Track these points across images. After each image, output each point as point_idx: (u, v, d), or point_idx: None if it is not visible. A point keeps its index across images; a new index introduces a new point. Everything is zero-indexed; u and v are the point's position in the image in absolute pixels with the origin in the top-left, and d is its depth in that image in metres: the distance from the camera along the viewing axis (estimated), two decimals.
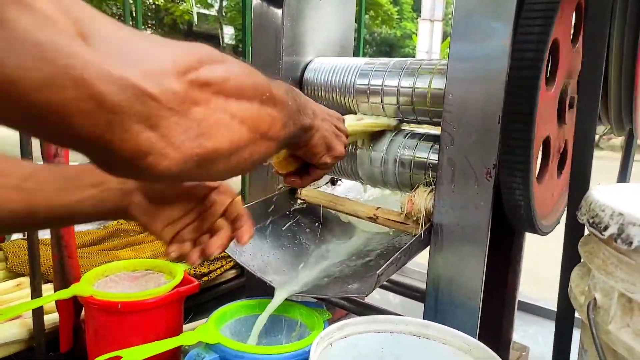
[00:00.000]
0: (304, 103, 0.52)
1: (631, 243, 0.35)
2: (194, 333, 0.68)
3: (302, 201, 0.96)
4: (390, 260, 0.66)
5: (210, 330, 0.69)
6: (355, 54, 1.72)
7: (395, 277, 1.05)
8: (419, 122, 0.85)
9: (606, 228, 0.38)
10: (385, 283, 1.03)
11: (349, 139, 0.72)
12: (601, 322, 0.38)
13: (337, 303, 0.95)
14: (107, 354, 0.62)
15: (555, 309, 0.64)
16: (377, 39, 18.60)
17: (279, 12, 0.91)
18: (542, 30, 0.60)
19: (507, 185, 0.64)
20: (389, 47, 18.75)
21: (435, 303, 0.77)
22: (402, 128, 0.89)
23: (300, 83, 0.96)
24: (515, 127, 0.60)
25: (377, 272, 0.63)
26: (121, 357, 0.62)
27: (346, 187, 1.07)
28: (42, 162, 0.83)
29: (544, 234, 0.73)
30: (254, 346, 0.66)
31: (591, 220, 0.40)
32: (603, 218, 0.38)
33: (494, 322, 0.87)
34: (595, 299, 0.40)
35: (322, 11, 0.97)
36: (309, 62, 0.97)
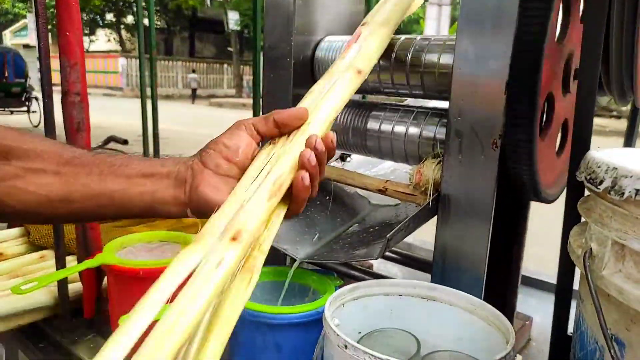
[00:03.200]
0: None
1: (623, 194, 0.38)
2: None
3: None
4: (399, 227, 0.70)
5: None
6: None
7: (404, 251, 1.09)
8: (428, 97, 0.88)
9: (601, 182, 0.41)
10: (395, 256, 1.07)
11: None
12: (596, 269, 0.42)
13: (348, 273, 0.98)
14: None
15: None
16: None
17: None
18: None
19: (512, 149, 0.67)
20: (395, 32, 18.61)
21: (442, 271, 0.80)
22: (412, 104, 0.92)
23: (311, 61, 0.98)
24: (520, 85, 0.63)
25: (387, 236, 0.67)
26: None
27: (355, 163, 1.10)
28: (65, 137, 0.87)
29: (549, 201, 0.76)
30: (270, 306, 0.70)
31: (588, 177, 0.43)
32: (599, 173, 0.41)
33: (499, 291, 0.90)
34: (591, 248, 0.43)
35: None
36: (320, 40, 0.99)
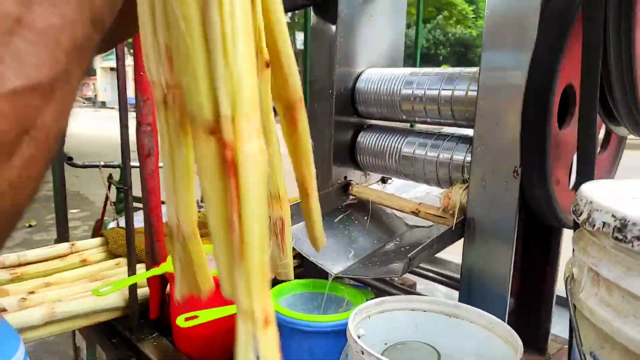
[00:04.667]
0: None
1: (594, 225, 0.43)
2: None
3: (353, 197, 1.07)
4: (422, 247, 0.76)
5: None
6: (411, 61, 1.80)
7: (453, 274, 1.13)
8: (458, 125, 0.93)
9: (581, 214, 0.46)
10: (442, 279, 1.11)
11: None
12: (575, 291, 0.46)
13: (386, 290, 1.04)
14: (187, 313, 0.77)
15: None
16: (452, 39, 18.15)
17: (333, 27, 1.03)
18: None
19: (527, 181, 0.72)
20: (464, 48, 18.22)
21: (469, 289, 0.85)
22: (444, 131, 0.98)
23: (352, 92, 1.07)
24: (529, 126, 0.67)
25: (409, 255, 0.73)
26: (197, 317, 0.76)
27: (395, 186, 1.17)
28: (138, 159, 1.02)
29: (570, 227, 0.79)
30: (305, 314, 0.78)
31: (574, 209, 0.48)
32: (580, 206, 0.46)
33: (533, 314, 0.93)
34: (572, 273, 0.48)
35: (373, 26, 1.08)
36: (361, 72, 1.08)
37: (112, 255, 1.28)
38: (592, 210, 0.44)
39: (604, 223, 0.41)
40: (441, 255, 1.06)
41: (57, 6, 0.21)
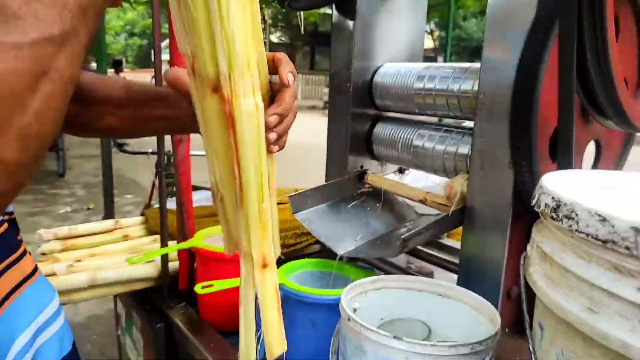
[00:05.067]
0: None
1: (539, 207, 0.47)
2: None
3: (368, 185, 1.13)
4: (416, 230, 0.81)
5: (278, 275, 0.90)
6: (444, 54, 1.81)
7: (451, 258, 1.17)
8: (465, 118, 0.97)
9: (534, 198, 0.50)
10: (440, 262, 1.15)
11: None
12: (527, 267, 0.51)
13: (388, 270, 1.10)
14: (204, 282, 0.87)
15: None
16: None
17: (352, 23, 1.08)
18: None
19: (517, 170, 0.75)
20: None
21: (467, 274, 0.89)
22: (452, 124, 1.02)
23: (370, 85, 1.13)
24: (518, 115, 0.71)
25: (403, 236, 0.79)
26: (213, 285, 0.86)
27: (412, 177, 1.22)
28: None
29: None
30: (308, 288, 0.86)
31: (533, 195, 0.53)
32: (535, 192, 0.51)
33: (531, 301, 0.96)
34: (527, 251, 0.52)
35: (393, 22, 1.13)
36: (379, 67, 1.13)
37: (150, 232, 1.41)
38: (540, 194, 0.48)
39: (546, 204, 0.46)
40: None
41: None
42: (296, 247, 1.38)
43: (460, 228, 0.90)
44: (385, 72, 1.11)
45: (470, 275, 0.87)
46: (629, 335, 0.38)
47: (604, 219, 0.38)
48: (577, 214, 0.41)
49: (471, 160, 0.85)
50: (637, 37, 0.82)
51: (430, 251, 1.23)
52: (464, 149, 0.93)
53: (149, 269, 1.18)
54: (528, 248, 0.52)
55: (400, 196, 1.06)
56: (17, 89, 0.27)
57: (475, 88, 0.89)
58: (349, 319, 0.68)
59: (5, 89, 0.26)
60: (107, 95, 0.63)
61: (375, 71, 1.13)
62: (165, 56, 1.16)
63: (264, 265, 0.46)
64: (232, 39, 0.39)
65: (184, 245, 1.09)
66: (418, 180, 1.18)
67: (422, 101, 1.01)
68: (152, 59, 1.19)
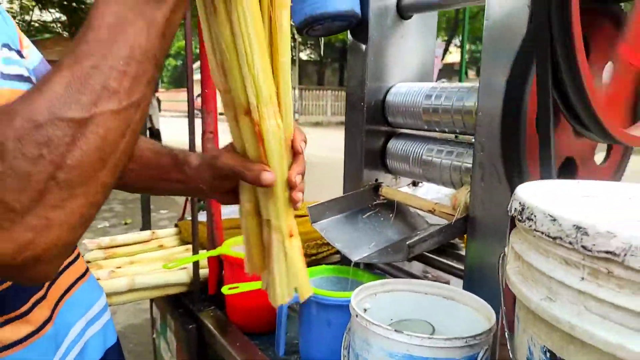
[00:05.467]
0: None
1: (511, 211, 0.55)
2: None
3: (382, 197, 1.21)
4: (421, 237, 0.88)
5: None
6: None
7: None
8: (469, 134, 1.04)
9: (509, 204, 0.57)
10: (456, 271, 1.21)
11: None
12: (503, 265, 0.58)
13: (397, 275, 1.17)
14: (230, 284, 0.96)
15: None
16: None
17: (365, 47, 1.17)
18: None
19: (510, 182, 0.82)
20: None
21: (471, 279, 0.95)
22: (460, 139, 1.09)
23: (383, 103, 1.21)
24: (509, 132, 0.78)
25: (408, 243, 0.86)
26: (238, 287, 0.95)
27: (425, 189, 1.29)
28: None
29: None
30: (324, 290, 0.94)
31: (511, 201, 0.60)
32: (511, 199, 0.58)
33: None
34: (505, 252, 0.59)
35: (403, 45, 1.21)
36: (391, 86, 1.22)
37: (183, 242, 1.52)
38: (512, 200, 0.55)
39: (515, 209, 0.53)
40: None
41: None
42: (317, 257, 1.46)
43: None
44: (397, 91, 1.19)
45: (474, 280, 0.94)
46: (575, 318, 0.45)
47: (554, 219, 0.46)
48: (535, 216, 0.48)
49: (472, 173, 0.92)
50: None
51: (447, 261, 1.29)
52: (468, 162, 1.00)
53: (182, 275, 1.28)
54: (505, 249, 0.59)
55: (412, 207, 1.14)
56: (116, 138, 0.41)
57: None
58: (357, 316, 0.76)
59: (110, 138, 0.41)
60: (139, 156, 0.71)
61: (388, 91, 1.21)
62: (197, 76, 1.28)
63: (291, 235, 0.59)
64: (257, 80, 0.54)
65: (214, 252, 1.19)
66: (430, 193, 1.25)
67: (430, 118, 1.09)
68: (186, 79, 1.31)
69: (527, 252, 0.52)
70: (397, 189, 1.24)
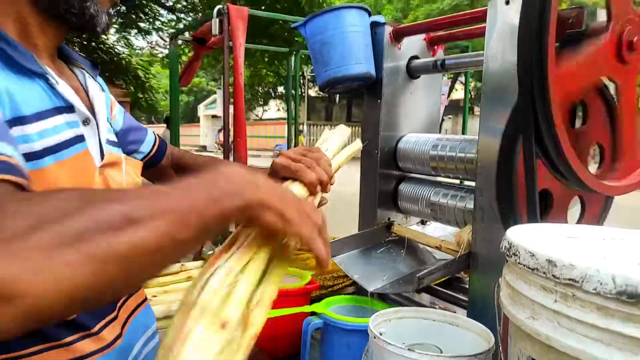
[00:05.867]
0: (241, 189, 0.50)
1: (502, 249, 0.69)
2: (311, 307, 1.12)
3: (394, 234, 1.35)
4: (429, 270, 1.02)
5: (320, 306, 1.12)
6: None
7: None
8: (471, 179, 1.19)
9: (501, 243, 0.71)
10: (458, 301, 1.33)
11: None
12: (499, 293, 0.71)
13: (408, 305, 1.28)
14: None
15: None
16: None
17: (379, 101, 1.34)
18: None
19: (504, 224, 0.96)
20: None
21: (474, 308, 1.08)
22: (463, 184, 1.24)
23: (395, 150, 1.37)
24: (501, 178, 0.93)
25: (418, 275, 1.00)
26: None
27: (433, 227, 1.43)
28: None
29: None
30: (344, 316, 1.06)
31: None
32: (502, 239, 0.72)
33: None
34: (499, 281, 0.73)
35: (412, 100, 1.38)
36: (402, 136, 1.38)
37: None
38: (503, 240, 0.70)
39: (505, 247, 0.67)
40: None
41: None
42: (334, 288, 1.58)
43: None
44: (407, 140, 1.35)
45: (477, 308, 1.06)
46: (552, 331, 0.58)
47: (532, 255, 0.60)
48: (519, 252, 0.62)
49: (474, 214, 1.07)
50: (607, 115, 1.03)
51: (453, 293, 1.42)
52: (470, 205, 1.14)
53: None
54: (500, 280, 0.73)
55: (421, 243, 1.27)
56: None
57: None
58: (375, 337, 0.89)
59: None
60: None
61: (399, 140, 1.37)
62: (210, 111, 1.44)
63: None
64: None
65: None
66: (437, 231, 1.38)
67: (436, 165, 1.24)
68: (197, 114, 1.47)
69: (515, 281, 0.66)
70: (407, 227, 1.38)
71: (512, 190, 0.91)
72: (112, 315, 0.77)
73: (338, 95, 23.62)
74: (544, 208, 1.01)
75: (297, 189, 0.71)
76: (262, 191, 0.52)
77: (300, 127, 19.72)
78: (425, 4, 14.47)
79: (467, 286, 1.57)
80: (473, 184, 1.23)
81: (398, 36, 1.31)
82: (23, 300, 0.36)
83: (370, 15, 1.30)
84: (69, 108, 0.72)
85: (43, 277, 0.37)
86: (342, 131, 0.86)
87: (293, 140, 3.02)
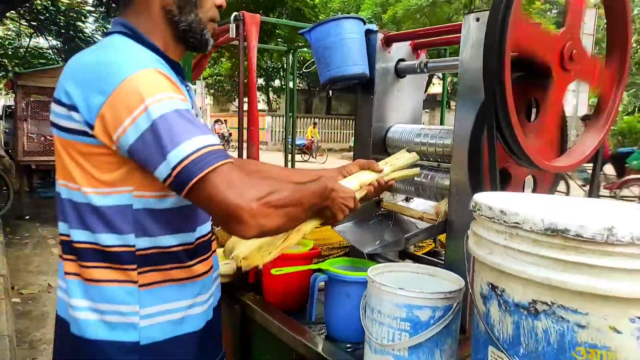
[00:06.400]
0: (329, 195, 1.05)
1: (470, 207, 0.94)
2: (317, 265, 1.37)
3: (383, 209, 1.61)
4: (414, 232, 1.28)
5: (324, 265, 1.37)
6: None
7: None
8: (448, 162, 1.45)
9: (470, 204, 0.97)
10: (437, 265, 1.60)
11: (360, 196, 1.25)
12: (468, 240, 0.97)
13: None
14: (275, 268, 1.34)
15: None
16: None
17: (371, 97, 1.59)
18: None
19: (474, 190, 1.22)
20: None
21: (449, 264, 1.34)
22: (440, 167, 1.50)
23: (384, 139, 1.62)
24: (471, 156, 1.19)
25: (405, 236, 1.25)
26: (282, 270, 1.32)
27: (416, 202, 1.69)
28: None
29: None
30: (345, 271, 1.31)
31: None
32: (471, 201, 0.98)
33: None
34: (467, 233, 0.98)
35: (399, 96, 1.63)
36: (391, 126, 1.63)
37: (219, 245, 1.89)
38: (472, 201, 0.95)
39: (471, 205, 0.93)
40: None
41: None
42: (329, 258, 1.83)
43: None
44: (395, 130, 1.60)
45: (452, 264, 1.33)
46: (502, 260, 0.84)
47: (490, 208, 0.86)
48: (481, 207, 0.88)
49: (449, 190, 1.33)
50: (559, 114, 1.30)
51: (434, 259, 1.69)
52: (446, 182, 1.40)
53: (228, 269, 1.65)
54: (468, 230, 0.99)
55: (405, 216, 1.53)
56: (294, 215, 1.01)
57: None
58: (373, 282, 1.14)
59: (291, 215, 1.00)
60: None
61: (388, 129, 1.62)
62: None
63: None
64: None
65: None
66: (420, 205, 1.65)
67: (419, 150, 1.50)
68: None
69: (478, 229, 0.92)
70: (395, 202, 1.63)
71: (479, 169, 1.17)
72: (209, 253, 1.15)
73: (318, 88, 23.80)
74: (504, 183, 1.27)
75: (356, 182, 1.21)
76: (333, 201, 1.08)
77: (315, 121, 19.99)
78: None
79: (440, 252, 1.85)
80: (449, 165, 1.50)
81: (388, 42, 1.55)
82: (261, 228, 0.91)
83: (365, 24, 1.54)
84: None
85: (271, 221, 0.93)
86: (406, 156, 1.35)
87: (291, 130, 3.25)
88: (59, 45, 14.76)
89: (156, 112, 0.86)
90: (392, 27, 16.07)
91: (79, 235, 0.97)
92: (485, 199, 0.91)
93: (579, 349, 0.77)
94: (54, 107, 0.96)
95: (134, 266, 0.98)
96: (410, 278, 1.28)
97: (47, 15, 13.29)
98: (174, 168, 0.86)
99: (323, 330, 1.39)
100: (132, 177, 0.94)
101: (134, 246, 0.97)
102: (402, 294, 1.09)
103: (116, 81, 0.86)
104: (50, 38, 14.52)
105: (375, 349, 1.13)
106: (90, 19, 14.69)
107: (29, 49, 14.54)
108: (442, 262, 1.61)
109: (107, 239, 0.96)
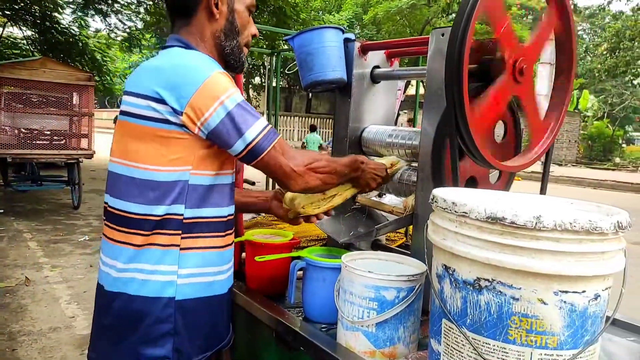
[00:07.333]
0: (359, 166, 1.38)
1: (429, 200, 1.09)
2: (296, 253, 1.51)
3: (358, 203, 1.75)
4: (384, 224, 1.42)
5: (303, 253, 1.50)
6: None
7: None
8: (415, 161, 1.60)
9: (430, 197, 1.12)
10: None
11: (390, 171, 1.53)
12: (428, 228, 1.12)
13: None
14: (259, 256, 1.47)
15: None
16: None
17: (348, 100, 1.73)
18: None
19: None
20: None
21: (415, 252, 1.49)
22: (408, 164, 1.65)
23: (359, 139, 1.76)
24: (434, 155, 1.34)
25: (376, 227, 1.40)
26: (265, 257, 1.45)
27: (388, 198, 1.84)
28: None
29: None
30: (321, 258, 1.45)
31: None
32: (431, 194, 1.13)
33: None
34: (427, 223, 1.13)
35: (374, 99, 1.78)
36: (365, 127, 1.77)
37: None
38: (431, 194, 1.10)
39: (431, 197, 1.08)
40: None
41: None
42: (307, 248, 1.97)
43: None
44: (369, 130, 1.75)
45: (417, 253, 1.48)
46: (453, 244, 0.98)
47: (444, 200, 1.00)
48: (438, 199, 1.03)
49: (416, 185, 1.48)
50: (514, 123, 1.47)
51: (403, 250, 1.84)
52: (414, 179, 1.56)
53: None
54: (428, 220, 1.14)
55: (377, 209, 1.68)
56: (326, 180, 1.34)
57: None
58: (346, 267, 1.28)
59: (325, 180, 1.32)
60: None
61: (363, 130, 1.77)
62: None
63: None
64: None
65: (240, 239, 1.69)
66: (391, 200, 1.80)
67: (391, 149, 1.65)
68: None
69: (435, 218, 1.07)
70: (368, 197, 1.78)
71: (441, 168, 1.32)
72: (232, 230, 1.38)
73: (298, 86, 23.84)
74: (475, 184, 1.43)
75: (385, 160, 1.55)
76: (363, 171, 1.42)
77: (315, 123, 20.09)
78: (384, 0, 15.00)
79: (408, 244, 2.00)
80: (416, 164, 1.65)
81: (364, 50, 1.70)
82: (305, 185, 1.27)
83: (343, 33, 1.68)
84: None
85: (312, 181, 1.27)
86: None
87: (279, 129, 3.43)
88: (34, 36, 14.46)
89: (230, 104, 1.14)
90: (373, 27, 16.32)
91: (134, 208, 1.19)
92: (442, 192, 1.06)
93: (514, 318, 0.92)
94: (129, 99, 1.20)
95: (179, 231, 1.20)
96: (379, 264, 1.42)
97: (22, 4, 13.02)
98: (249, 144, 1.15)
99: (301, 313, 1.52)
100: (192, 158, 1.18)
101: (182, 215, 1.20)
102: (370, 276, 1.23)
103: (200, 80, 1.12)
104: (24, 28, 14.22)
105: (347, 325, 1.27)
106: (68, 11, 14.44)
107: (1, 39, 14.20)
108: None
109: (160, 210, 1.18)
